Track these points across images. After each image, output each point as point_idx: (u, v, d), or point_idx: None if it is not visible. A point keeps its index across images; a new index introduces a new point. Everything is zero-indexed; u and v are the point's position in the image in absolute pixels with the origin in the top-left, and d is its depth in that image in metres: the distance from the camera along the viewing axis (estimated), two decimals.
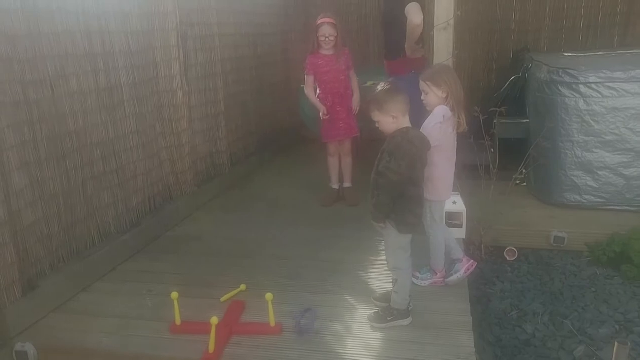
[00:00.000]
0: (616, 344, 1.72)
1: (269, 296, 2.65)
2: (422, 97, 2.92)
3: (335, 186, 4.73)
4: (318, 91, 4.44)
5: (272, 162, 6.14)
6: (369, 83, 4.74)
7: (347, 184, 4.70)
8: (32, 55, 2.93)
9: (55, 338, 2.75)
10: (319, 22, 4.26)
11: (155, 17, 4.00)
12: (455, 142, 3.02)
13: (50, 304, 2.95)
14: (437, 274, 3.15)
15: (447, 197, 3.14)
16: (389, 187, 2.53)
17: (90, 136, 3.40)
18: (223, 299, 2.97)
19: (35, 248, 3.00)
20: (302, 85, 5.33)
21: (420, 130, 2.80)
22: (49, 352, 2.67)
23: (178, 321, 2.72)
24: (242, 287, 3.04)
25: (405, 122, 2.62)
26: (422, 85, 2.93)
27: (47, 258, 3.10)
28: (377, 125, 2.64)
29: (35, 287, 2.95)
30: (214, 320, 2.49)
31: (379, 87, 2.64)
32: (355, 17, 7.46)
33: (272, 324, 2.68)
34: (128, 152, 3.77)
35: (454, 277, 3.06)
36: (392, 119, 2.57)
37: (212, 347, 2.51)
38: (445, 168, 2.99)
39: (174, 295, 2.69)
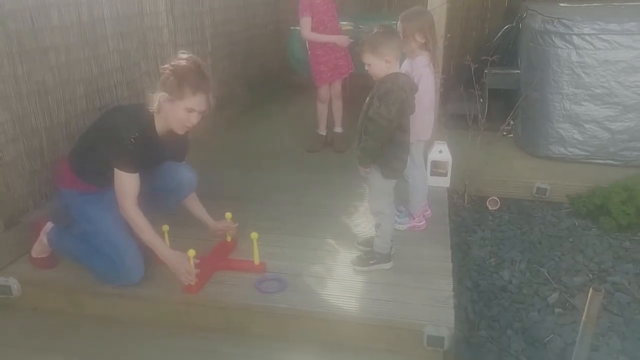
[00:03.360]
0: (591, 290, 1.77)
1: (254, 235, 2.68)
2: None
3: (323, 132, 4.70)
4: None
5: (258, 106, 6.06)
6: (362, 26, 4.63)
7: (337, 129, 4.67)
8: None
9: (39, 273, 2.77)
10: None
11: None
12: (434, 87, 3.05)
13: (33, 240, 2.95)
14: (414, 217, 3.19)
15: (426, 137, 3.14)
16: (378, 132, 2.51)
17: (73, 72, 3.30)
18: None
19: (17, 184, 2.97)
20: (292, 27, 5.23)
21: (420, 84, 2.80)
22: (32, 286, 2.70)
23: None
24: (228, 215, 2.99)
25: (396, 67, 2.58)
26: (400, 27, 2.89)
27: (30, 194, 3.07)
28: (366, 68, 2.57)
29: (18, 223, 2.94)
30: (191, 253, 2.53)
31: (374, 28, 2.55)
32: None
33: (257, 262, 2.72)
34: (112, 90, 3.68)
35: (395, 226, 3.01)
36: (385, 63, 2.52)
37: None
38: (424, 109, 2.98)
39: (165, 227, 2.73)
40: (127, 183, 2.49)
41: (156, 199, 2.72)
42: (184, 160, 2.94)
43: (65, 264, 2.79)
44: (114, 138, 2.49)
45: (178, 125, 2.57)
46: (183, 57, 2.52)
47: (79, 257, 2.71)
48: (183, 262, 2.54)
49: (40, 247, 2.80)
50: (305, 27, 4.26)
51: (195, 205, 2.98)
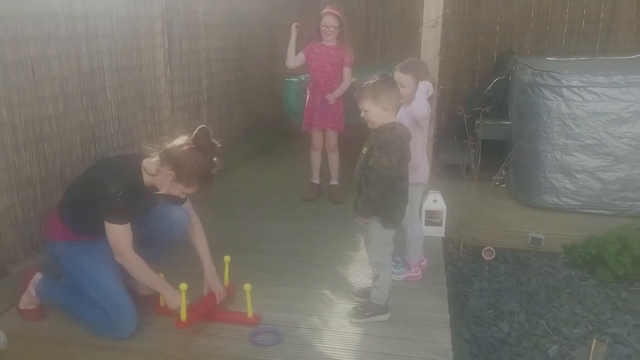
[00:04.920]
0: (594, 340, 1.74)
1: (247, 287, 2.64)
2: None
3: (316, 181, 4.72)
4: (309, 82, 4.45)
5: (254, 156, 6.10)
6: (354, 79, 4.72)
7: (333, 182, 4.68)
8: (13, 36, 2.85)
9: (27, 325, 2.69)
10: (323, 12, 4.26)
11: (141, 2, 3.93)
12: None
13: (21, 291, 2.88)
14: (411, 268, 3.17)
15: (424, 180, 3.16)
16: (379, 182, 2.52)
17: (70, 121, 3.32)
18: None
19: (8, 233, 2.93)
20: (287, 78, 5.33)
21: (414, 103, 2.88)
22: (21, 339, 2.62)
23: (162, 303, 2.69)
24: (226, 258, 2.95)
25: (392, 117, 2.62)
26: (400, 77, 2.95)
27: (21, 244, 3.03)
28: (363, 114, 2.60)
29: (7, 273, 2.89)
30: (183, 287, 2.49)
31: (375, 77, 2.60)
32: (358, 13, 7.43)
33: (250, 314, 2.66)
34: (108, 139, 3.70)
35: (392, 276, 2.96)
36: (382, 111, 2.55)
37: (183, 315, 2.51)
38: (423, 149, 3.07)
39: (160, 275, 2.68)
40: (119, 234, 2.47)
41: (151, 241, 2.71)
42: (185, 201, 2.87)
43: (55, 316, 2.72)
44: (102, 193, 2.46)
45: (166, 192, 2.57)
46: (205, 144, 2.48)
47: (69, 308, 2.64)
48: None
49: (28, 299, 2.73)
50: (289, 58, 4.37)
51: (200, 241, 2.88)
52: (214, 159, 2.51)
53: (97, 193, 2.48)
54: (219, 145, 2.56)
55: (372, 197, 2.55)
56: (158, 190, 2.59)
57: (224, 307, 2.81)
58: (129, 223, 2.50)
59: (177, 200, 2.80)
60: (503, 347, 2.97)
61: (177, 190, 2.54)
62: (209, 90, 5.15)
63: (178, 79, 4.56)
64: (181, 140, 2.50)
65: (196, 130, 2.49)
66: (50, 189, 3.19)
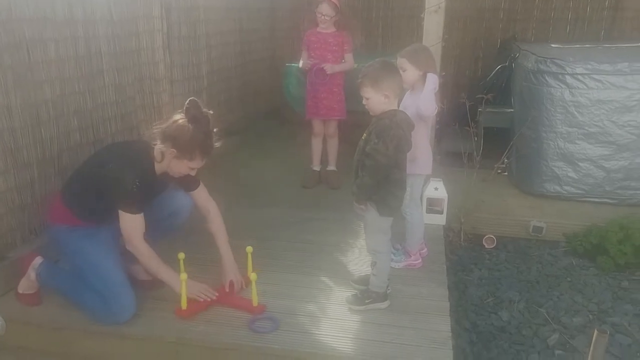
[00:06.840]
0: (595, 332, 1.71)
1: (253, 276, 2.62)
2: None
3: (317, 168, 4.69)
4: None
5: (254, 142, 6.05)
6: (356, 65, 4.67)
7: (330, 167, 4.65)
8: (7, 18, 2.80)
9: (25, 310, 2.68)
10: None
11: None
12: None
13: (20, 275, 2.87)
14: (411, 256, 3.15)
15: (427, 172, 3.13)
16: (375, 168, 2.48)
17: (68, 105, 3.29)
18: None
19: (5, 218, 2.91)
20: (287, 64, 5.27)
21: (422, 101, 2.84)
22: (18, 324, 2.60)
23: (184, 306, 2.62)
24: (249, 249, 2.94)
25: (394, 104, 2.57)
26: (400, 62, 2.90)
27: (19, 229, 3.01)
28: (364, 102, 2.56)
29: (5, 258, 2.87)
30: (183, 277, 2.53)
31: (375, 63, 2.54)
32: None
33: (255, 303, 2.64)
34: (106, 123, 3.66)
35: (391, 264, 2.95)
36: (383, 98, 2.51)
37: (184, 304, 2.54)
38: (426, 140, 3.02)
39: (180, 255, 2.82)
40: (133, 223, 2.49)
41: (153, 226, 2.67)
42: (199, 186, 2.86)
43: (53, 301, 2.71)
44: (118, 186, 2.47)
45: (176, 174, 2.63)
46: (197, 114, 2.50)
47: (68, 293, 2.63)
48: (195, 286, 2.62)
49: (27, 283, 2.72)
50: (301, 59, 4.35)
51: (218, 231, 2.87)
52: (210, 127, 2.53)
53: (113, 186, 2.48)
54: (212, 113, 2.59)
55: (366, 183, 2.52)
56: (170, 177, 2.65)
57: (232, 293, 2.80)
58: (142, 214, 2.51)
59: (190, 185, 2.81)
60: (502, 335, 2.96)
61: (184, 167, 2.55)
62: (208, 76, 5.11)
63: (177, 64, 4.51)
64: (174, 117, 2.54)
65: (186, 103, 2.51)
66: (47, 173, 3.17)
